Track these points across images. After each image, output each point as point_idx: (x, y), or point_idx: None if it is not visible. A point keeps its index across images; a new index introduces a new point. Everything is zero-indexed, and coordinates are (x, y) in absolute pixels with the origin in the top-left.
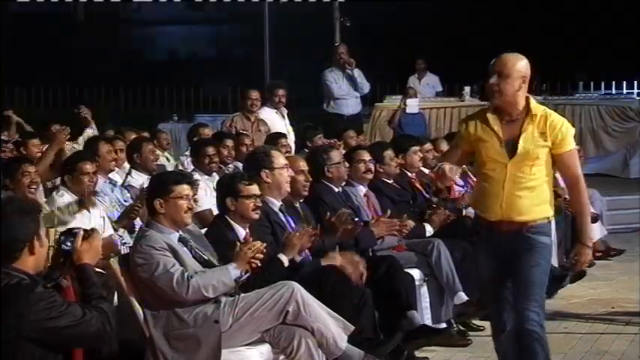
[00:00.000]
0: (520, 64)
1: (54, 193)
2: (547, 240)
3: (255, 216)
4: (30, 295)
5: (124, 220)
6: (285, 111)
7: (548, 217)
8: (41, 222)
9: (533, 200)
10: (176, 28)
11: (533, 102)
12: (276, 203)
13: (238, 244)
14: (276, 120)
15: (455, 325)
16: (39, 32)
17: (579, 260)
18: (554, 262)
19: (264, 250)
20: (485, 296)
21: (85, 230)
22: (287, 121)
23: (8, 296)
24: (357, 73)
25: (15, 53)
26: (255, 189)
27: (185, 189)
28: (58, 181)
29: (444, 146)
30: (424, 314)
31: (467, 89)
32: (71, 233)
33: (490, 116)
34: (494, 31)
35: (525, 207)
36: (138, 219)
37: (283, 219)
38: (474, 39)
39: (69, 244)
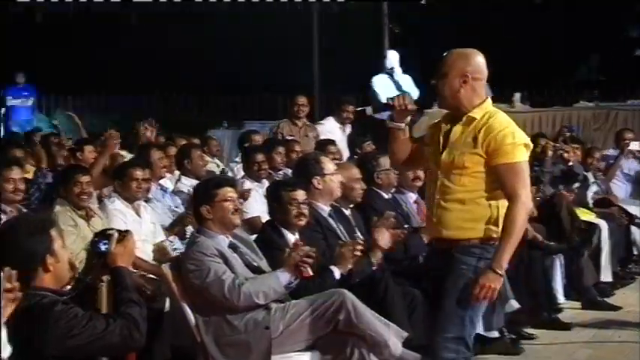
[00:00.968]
0: (461, 61)
1: (105, 199)
2: (476, 262)
3: (300, 222)
4: (50, 313)
5: (175, 228)
6: (349, 128)
7: (487, 239)
8: (56, 237)
9: (464, 215)
10: None
11: (484, 105)
12: (325, 209)
13: (287, 249)
14: (336, 134)
15: (506, 334)
16: (90, 39)
17: (480, 285)
18: (607, 274)
19: (313, 255)
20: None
21: (120, 232)
22: (346, 138)
23: (30, 318)
24: (406, 79)
25: (68, 59)
26: (298, 195)
27: (228, 191)
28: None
29: None
30: None
31: (517, 95)
32: (105, 235)
33: (442, 121)
34: (546, 36)
35: (453, 221)
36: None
37: (334, 225)
38: (525, 44)
39: (102, 245)
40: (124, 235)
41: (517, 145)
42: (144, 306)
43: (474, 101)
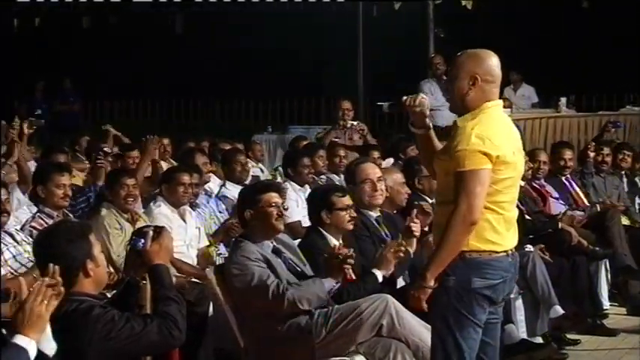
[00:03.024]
0: (470, 62)
1: (151, 203)
2: (445, 279)
3: (351, 226)
4: (87, 318)
5: (220, 236)
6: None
7: (479, 251)
8: (95, 242)
9: (442, 227)
10: None
11: (480, 109)
12: (372, 215)
13: (326, 255)
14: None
15: (550, 339)
16: (135, 44)
17: (409, 294)
18: None
19: (353, 256)
20: None
21: (155, 229)
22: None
23: (69, 323)
24: None
25: (113, 66)
26: (348, 200)
27: (273, 197)
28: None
29: (543, 157)
30: (519, 327)
31: (563, 100)
32: (142, 232)
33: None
34: (592, 40)
35: (437, 233)
36: None
37: (381, 230)
38: (572, 48)
39: (139, 243)
40: (158, 232)
41: (469, 152)
42: (183, 303)
43: (477, 104)
